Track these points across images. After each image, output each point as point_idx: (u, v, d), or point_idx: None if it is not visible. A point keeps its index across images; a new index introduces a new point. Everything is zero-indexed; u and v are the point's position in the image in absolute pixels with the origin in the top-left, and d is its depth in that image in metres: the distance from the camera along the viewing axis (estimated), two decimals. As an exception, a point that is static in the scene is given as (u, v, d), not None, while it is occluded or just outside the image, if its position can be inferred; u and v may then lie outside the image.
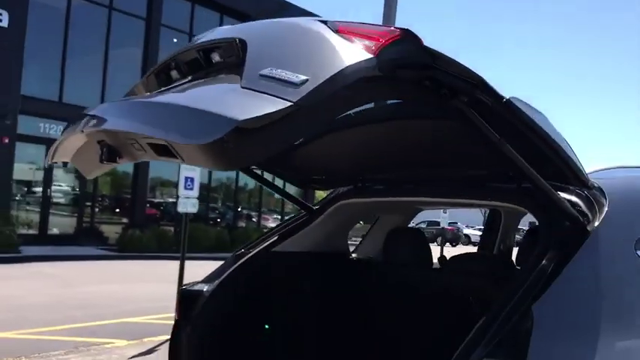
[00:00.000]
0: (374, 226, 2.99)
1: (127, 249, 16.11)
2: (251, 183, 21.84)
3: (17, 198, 17.01)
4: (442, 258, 2.79)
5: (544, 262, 1.44)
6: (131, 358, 5.80)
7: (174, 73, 1.74)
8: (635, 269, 1.50)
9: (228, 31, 1.58)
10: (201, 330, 2.16)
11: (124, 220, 18.47)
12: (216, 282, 2.25)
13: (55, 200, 17.26)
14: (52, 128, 16.26)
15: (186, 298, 2.21)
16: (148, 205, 19.01)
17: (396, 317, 1.93)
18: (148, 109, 1.45)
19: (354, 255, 2.89)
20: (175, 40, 19.26)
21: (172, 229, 18.87)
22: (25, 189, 17.46)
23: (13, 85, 14.64)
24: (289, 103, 1.16)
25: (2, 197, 14.67)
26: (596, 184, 1.65)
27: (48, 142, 17.08)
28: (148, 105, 1.48)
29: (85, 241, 16.82)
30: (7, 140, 14.53)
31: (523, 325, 1.27)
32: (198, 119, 1.22)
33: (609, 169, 1.86)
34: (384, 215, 2.98)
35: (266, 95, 1.19)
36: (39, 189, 17.11)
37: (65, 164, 1.92)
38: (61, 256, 14.28)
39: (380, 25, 1.36)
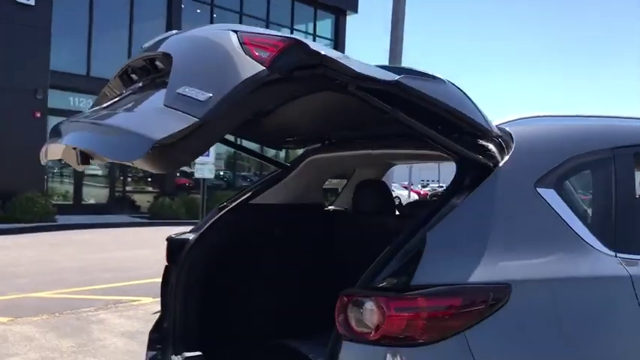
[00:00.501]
0: (349, 181, 3.30)
1: (157, 216, 16.73)
2: (280, 152, 22.20)
3: (52, 170, 17.74)
4: (399, 205, 3.09)
5: (449, 197, 1.72)
6: (155, 313, 6.26)
7: (132, 76, 2.08)
8: (532, 203, 1.76)
9: (163, 43, 1.88)
10: (187, 272, 2.50)
11: (155, 189, 19.11)
12: (200, 231, 2.58)
13: (88, 172, 17.94)
14: (81, 102, 16.83)
15: (174, 245, 2.55)
16: (178, 174, 19.59)
17: (359, 256, 2.20)
18: (91, 130, 1.77)
19: (329, 207, 3.20)
20: (199, 11, 19.51)
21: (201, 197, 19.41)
22: (59, 161, 18.11)
23: (42, 61, 15.15)
24: (196, 120, 1.43)
25: (37, 169, 15.31)
26: (507, 130, 1.90)
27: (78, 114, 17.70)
28: (91, 126, 1.79)
29: (117, 210, 17.54)
30: (39, 115, 15.11)
31: (417, 247, 1.56)
32: (124, 140, 1.51)
33: (527, 117, 2.10)
34: (358, 170, 3.28)
35: (179, 112, 1.47)
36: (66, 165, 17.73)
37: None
38: (94, 224, 14.97)
39: (276, 35, 1.61)
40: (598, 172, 1.99)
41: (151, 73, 1.94)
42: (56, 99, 15.99)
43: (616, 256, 1.82)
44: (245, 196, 2.75)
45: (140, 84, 1.99)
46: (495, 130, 1.83)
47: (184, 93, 1.51)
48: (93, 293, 7.22)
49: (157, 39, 1.97)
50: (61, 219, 14.88)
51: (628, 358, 1.68)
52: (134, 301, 6.83)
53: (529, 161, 1.82)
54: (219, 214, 2.66)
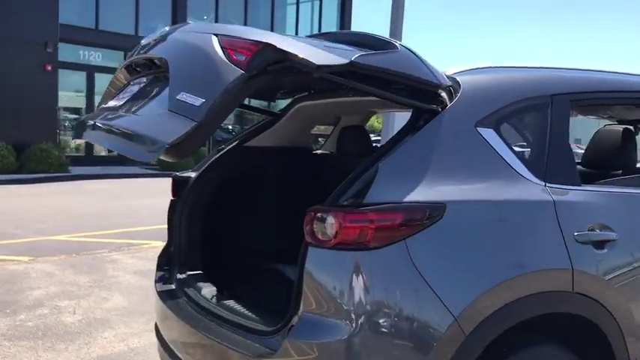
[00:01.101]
0: (335, 128, 3.65)
1: (168, 168, 17.16)
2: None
3: (65, 123, 18.14)
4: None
5: (402, 136, 2.06)
6: (165, 253, 6.72)
7: (137, 69, 2.46)
8: (471, 139, 2.08)
9: (159, 45, 2.25)
10: (189, 205, 2.87)
11: (166, 142, 19.44)
12: (200, 170, 2.95)
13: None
14: (90, 55, 17.09)
15: (178, 181, 2.92)
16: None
17: None
18: (114, 135, 2.16)
19: (317, 151, 3.56)
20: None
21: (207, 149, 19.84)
22: (71, 114, 18.55)
23: (51, 14, 15.36)
24: (195, 123, 1.81)
25: (50, 122, 15.75)
26: (456, 79, 2.22)
27: (88, 68, 18.03)
28: (113, 131, 2.18)
29: (129, 162, 17.99)
30: (49, 68, 15.43)
31: (372, 174, 1.91)
32: (144, 145, 1.95)
33: (477, 68, 2.41)
34: (343, 118, 3.62)
35: (182, 117, 1.84)
36: (84, 113, 18.14)
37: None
38: (107, 174, 15.45)
39: (249, 39, 1.94)
40: (536, 115, 2.31)
41: (151, 67, 2.31)
42: (66, 52, 16.26)
43: (545, 186, 2.17)
44: (239, 140, 3.11)
45: (144, 79, 2.36)
46: (446, 82, 2.15)
47: (183, 99, 1.88)
48: (107, 237, 7.69)
49: (152, 38, 2.34)
50: (75, 170, 15.36)
51: (538, 265, 2.04)
52: (145, 244, 7.29)
53: (471, 105, 2.15)
54: (217, 156, 3.02)
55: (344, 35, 2.45)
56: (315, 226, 1.89)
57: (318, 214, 1.89)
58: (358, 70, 1.94)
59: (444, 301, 1.84)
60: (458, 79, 2.24)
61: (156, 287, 2.77)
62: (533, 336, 2.12)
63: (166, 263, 2.87)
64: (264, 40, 1.91)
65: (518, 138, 2.35)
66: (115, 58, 17.46)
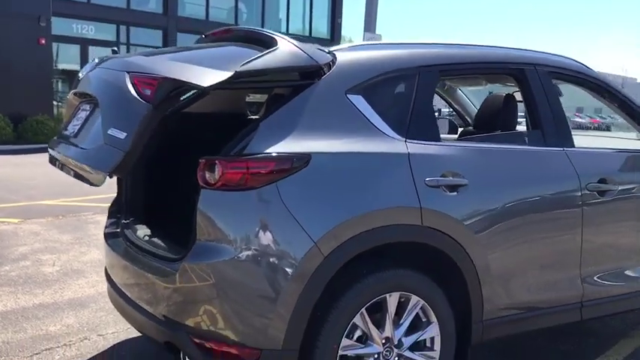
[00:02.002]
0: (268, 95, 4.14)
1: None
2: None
3: (62, 96, 18.59)
4: None
5: (283, 102, 2.54)
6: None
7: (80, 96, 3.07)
8: (340, 104, 2.54)
9: (89, 82, 2.87)
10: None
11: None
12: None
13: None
14: (83, 28, 17.47)
15: None
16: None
17: None
18: (69, 165, 2.79)
19: (251, 116, 4.04)
20: None
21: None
22: (65, 86, 18.97)
23: (44, -13, 15.71)
24: (124, 152, 2.36)
25: (45, 94, 16.23)
26: (335, 54, 2.69)
27: (81, 41, 18.43)
28: (69, 162, 2.78)
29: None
30: (43, 41, 15.84)
31: (253, 132, 2.40)
32: (90, 172, 2.60)
33: (357, 44, 2.87)
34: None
35: (114, 149, 2.39)
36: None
37: None
38: (101, 145, 15.92)
39: (152, 75, 2.44)
40: (403, 84, 2.77)
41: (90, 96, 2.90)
42: (59, 26, 16.63)
43: (405, 141, 2.65)
44: (179, 106, 3.59)
45: (87, 106, 2.93)
46: (325, 60, 2.62)
47: (112, 134, 2.44)
48: (93, 202, 8.22)
49: (85, 72, 2.98)
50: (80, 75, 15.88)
51: (389, 203, 2.53)
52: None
53: (343, 76, 2.62)
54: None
55: (240, 32, 2.96)
56: (205, 172, 2.39)
57: (208, 162, 2.39)
58: (245, 75, 2.42)
59: (306, 230, 2.35)
60: (336, 54, 2.71)
61: (104, 232, 3.30)
62: (390, 261, 2.63)
63: (115, 211, 3.38)
64: (161, 75, 2.43)
65: (384, 103, 2.82)
66: (107, 31, 17.85)
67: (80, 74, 3.06)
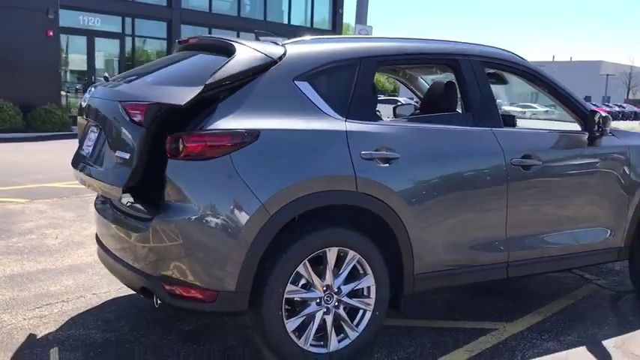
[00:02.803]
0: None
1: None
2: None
3: (69, 86, 19.18)
4: None
5: (237, 88, 3.00)
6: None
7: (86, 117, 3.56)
8: (287, 89, 3.00)
9: (93, 109, 3.40)
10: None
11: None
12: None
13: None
14: (90, 20, 17.98)
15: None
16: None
17: None
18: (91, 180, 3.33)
19: None
20: None
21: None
22: (73, 76, 19.55)
23: (51, -19, 16.23)
24: (131, 170, 2.89)
25: (53, 84, 16.79)
26: (286, 46, 3.17)
27: (88, 33, 18.97)
28: (91, 177, 3.32)
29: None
30: (51, 33, 16.38)
31: (213, 112, 2.87)
32: (109, 188, 3.08)
33: (308, 38, 3.34)
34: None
35: (124, 167, 2.93)
36: (84, 76, 19.14)
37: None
38: (107, 134, 16.49)
39: (138, 102, 2.92)
40: (346, 72, 3.22)
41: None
42: (67, 18, 17.15)
43: (345, 121, 3.13)
44: None
45: (95, 129, 3.41)
46: (278, 54, 3.09)
47: (119, 155, 2.98)
48: (96, 184, 8.75)
49: (88, 97, 3.49)
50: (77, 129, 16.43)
51: (328, 172, 3.01)
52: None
53: (291, 65, 3.10)
54: None
55: (206, 41, 3.53)
56: (172, 144, 2.88)
57: (174, 137, 2.88)
58: (213, 86, 2.91)
59: (255, 193, 2.84)
60: (287, 47, 3.20)
61: (94, 201, 3.81)
62: (330, 220, 3.12)
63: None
64: (146, 102, 2.91)
65: (329, 88, 3.29)
66: (113, 22, 18.37)
67: (83, 102, 3.57)
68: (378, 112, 3.48)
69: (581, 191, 3.94)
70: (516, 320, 3.87)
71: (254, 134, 2.90)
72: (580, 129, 4.01)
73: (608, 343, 3.56)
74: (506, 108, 33.75)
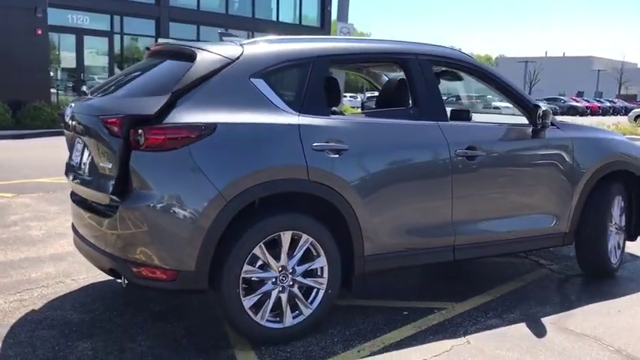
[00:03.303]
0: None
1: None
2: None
3: (59, 84, 19.37)
4: None
5: (196, 85, 3.26)
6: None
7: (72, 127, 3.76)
8: (244, 85, 3.27)
9: (76, 122, 3.62)
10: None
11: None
12: None
13: (89, 82, 19.53)
14: (79, 18, 18.18)
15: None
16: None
17: None
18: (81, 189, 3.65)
19: None
20: None
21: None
22: (64, 74, 19.75)
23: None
24: (115, 177, 3.16)
25: (42, 82, 17.00)
26: (243, 46, 3.44)
27: (77, 31, 19.15)
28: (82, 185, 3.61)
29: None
30: (40, 31, 16.58)
31: (173, 107, 3.13)
32: (99, 194, 3.37)
33: (265, 38, 3.62)
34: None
35: (108, 176, 3.22)
36: (74, 74, 19.34)
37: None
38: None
39: (114, 115, 3.17)
40: (300, 70, 3.50)
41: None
42: (55, 16, 17.34)
43: (299, 115, 3.41)
44: None
45: (80, 140, 3.65)
46: (236, 54, 3.36)
47: (103, 165, 3.29)
48: (81, 179, 9.00)
49: (68, 117, 3.71)
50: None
51: (282, 162, 3.29)
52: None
53: (247, 64, 3.37)
54: None
55: (171, 47, 3.83)
56: (134, 137, 3.15)
57: (136, 130, 3.14)
58: (180, 92, 3.19)
59: (212, 181, 3.11)
60: (244, 47, 3.47)
61: (70, 192, 4.07)
62: (285, 206, 3.39)
63: (69, 170, 4.10)
64: (120, 115, 3.16)
65: (284, 85, 3.58)
66: (102, 20, 18.57)
67: (66, 117, 3.82)
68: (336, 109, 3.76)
69: (525, 180, 4.23)
70: (465, 300, 4.16)
71: (211, 127, 3.17)
72: (527, 122, 4.30)
73: (546, 320, 3.85)
74: (496, 104, 34.29)
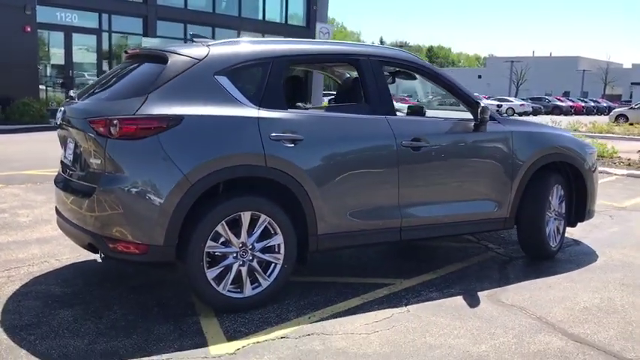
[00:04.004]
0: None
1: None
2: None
3: (47, 80, 19.67)
4: None
5: (166, 81, 3.70)
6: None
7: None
8: (208, 82, 3.70)
9: (66, 122, 4.04)
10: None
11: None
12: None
13: (77, 79, 19.87)
14: (67, 16, 18.49)
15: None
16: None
17: None
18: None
19: None
20: None
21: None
22: (51, 71, 20.05)
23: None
24: (106, 172, 3.60)
25: (31, 78, 17.32)
26: (209, 48, 3.87)
27: (65, 28, 19.47)
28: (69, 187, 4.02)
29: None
30: (29, 29, 16.90)
31: (144, 101, 3.57)
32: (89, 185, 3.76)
33: (229, 40, 4.05)
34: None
35: (97, 172, 3.64)
36: (62, 71, 19.64)
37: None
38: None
39: (99, 117, 3.57)
40: (260, 69, 3.92)
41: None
42: (44, 14, 17.66)
43: (259, 109, 3.84)
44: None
45: (71, 140, 4.05)
46: (202, 55, 3.78)
47: (92, 161, 3.68)
48: (68, 171, 9.38)
49: (59, 120, 4.12)
50: (54, 121, 17.02)
51: (242, 150, 3.72)
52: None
53: (212, 63, 3.79)
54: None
55: (147, 52, 4.21)
56: (109, 127, 3.56)
57: (111, 120, 3.56)
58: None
59: (178, 166, 3.54)
60: (210, 48, 3.90)
61: (54, 179, 4.48)
62: (245, 189, 3.83)
63: (63, 164, 4.55)
64: (104, 117, 3.56)
65: (246, 81, 4.01)
66: (90, 18, 18.89)
67: (57, 120, 4.22)
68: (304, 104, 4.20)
69: (467, 169, 4.69)
70: (412, 278, 4.61)
71: (178, 119, 3.60)
72: (471, 117, 4.76)
73: (482, 294, 4.30)
74: (487, 102, 35.78)
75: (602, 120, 31.28)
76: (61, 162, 4.34)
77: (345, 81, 4.73)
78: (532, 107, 48.74)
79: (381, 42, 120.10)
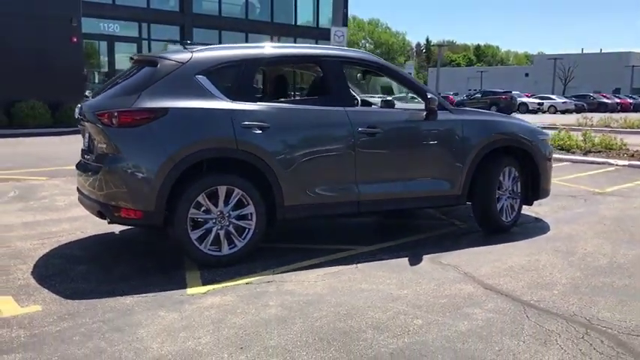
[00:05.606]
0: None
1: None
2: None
3: (92, 84, 21.17)
4: None
5: (155, 80, 4.64)
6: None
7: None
8: (189, 81, 4.61)
9: (83, 116, 4.99)
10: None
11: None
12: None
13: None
14: (109, 27, 19.93)
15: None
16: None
17: None
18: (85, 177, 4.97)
19: None
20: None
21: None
22: (100, 76, 21.56)
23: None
24: (114, 156, 4.58)
25: (78, 85, 18.77)
26: (193, 53, 4.79)
27: (109, 38, 20.96)
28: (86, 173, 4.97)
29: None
30: (75, 39, 18.37)
31: (138, 98, 4.53)
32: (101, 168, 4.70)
33: (211, 46, 4.96)
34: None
35: (107, 156, 4.61)
36: (107, 76, 21.11)
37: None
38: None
39: (102, 111, 4.79)
40: (234, 70, 4.81)
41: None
42: (89, 25, 19.13)
43: (232, 102, 4.73)
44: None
45: (87, 132, 5.00)
46: (186, 58, 4.72)
47: (100, 146, 4.64)
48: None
49: (80, 111, 5.02)
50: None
51: (216, 135, 4.63)
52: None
53: (194, 65, 4.70)
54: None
55: (146, 57, 5.14)
56: (110, 118, 4.53)
57: (112, 112, 4.53)
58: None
59: (165, 148, 4.48)
60: (193, 53, 4.83)
61: (76, 164, 5.50)
62: (221, 168, 4.73)
63: (82, 151, 5.56)
64: (108, 110, 4.52)
65: (221, 80, 4.91)
66: (131, 28, 20.32)
67: (76, 115, 5.20)
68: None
69: (419, 152, 5.47)
70: (372, 245, 5.42)
71: (165, 111, 4.54)
72: (423, 107, 5.54)
73: (426, 256, 5.07)
74: (528, 100, 36.90)
75: (630, 116, 30.91)
76: (81, 150, 5.35)
77: (314, 79, 5.59)
78: (575, 105, 48.24)
79: (427, 41, 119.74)
